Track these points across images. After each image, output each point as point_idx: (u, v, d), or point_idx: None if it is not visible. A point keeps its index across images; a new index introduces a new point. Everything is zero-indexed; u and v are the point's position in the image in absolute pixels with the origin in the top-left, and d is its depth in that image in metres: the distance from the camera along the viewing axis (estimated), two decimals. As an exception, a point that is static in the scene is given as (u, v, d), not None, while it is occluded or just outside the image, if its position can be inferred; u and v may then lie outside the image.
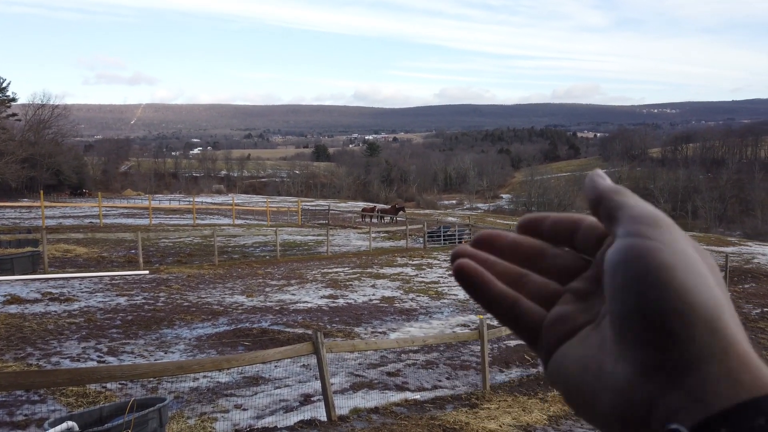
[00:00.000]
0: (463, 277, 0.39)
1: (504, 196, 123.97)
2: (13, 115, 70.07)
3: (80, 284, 14.67)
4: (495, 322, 9.27)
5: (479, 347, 8.60)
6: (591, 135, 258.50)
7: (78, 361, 8.61)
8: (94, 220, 32.59)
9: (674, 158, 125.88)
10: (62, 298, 12.90)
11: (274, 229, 23.89)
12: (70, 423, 4.65)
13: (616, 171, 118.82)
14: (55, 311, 11.70)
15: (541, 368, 9.83)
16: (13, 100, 69.68)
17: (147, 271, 16.76)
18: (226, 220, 37.49)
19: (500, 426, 6.52)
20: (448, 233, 28.74)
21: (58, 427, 4.57)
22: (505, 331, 9.27)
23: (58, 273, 15.89)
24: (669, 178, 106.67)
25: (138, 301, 12.97)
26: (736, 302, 17.81)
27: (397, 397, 7.72)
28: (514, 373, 9.75)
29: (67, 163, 69.20)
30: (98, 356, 8.91)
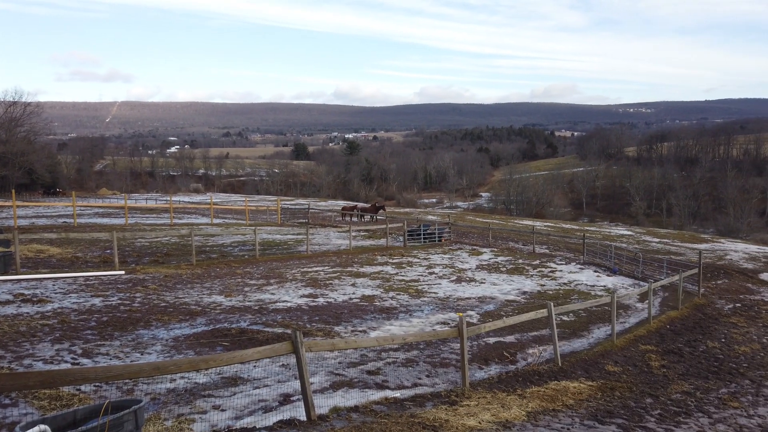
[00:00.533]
0: None
1: (483, 194, 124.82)
2: (-17, 112, 68.28)
3: (54, 285, 14.37)
4: (475, 320, 9.29)
5: (459, 345, 8.64)
6: (568, 134, 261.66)
7: (51, 363, 8.43)
8: (68, 220, 31.95)
9: (649, 157, 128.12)
10: (35, 299, 12.62)
11: (253, 228, 23.70)
12: (43, 426, 4.54)
13: (592, 170, 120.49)
14: (28, 313, 11.44)
15: (520, 365, 9.90)
16: (-17, 97, 67.88)
17: (123, 272, 16.49)
18: (205, 220, 37.07)
19: (479, 423, 6.55)
20: (428, 232, 28.82)
21: (31, 431, 4.46)
22: (485, 328, 9.33)
23: (30, 274, 15.53)
24: (644, 176, 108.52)
25: (113, 302, 12.75)
26: (710, 298, 18.18)
27: (377, 395, 7.71)
28: (493, 369, 9.82)
29: (40, 162, 67.65)
30: (72, 358, 8.73)
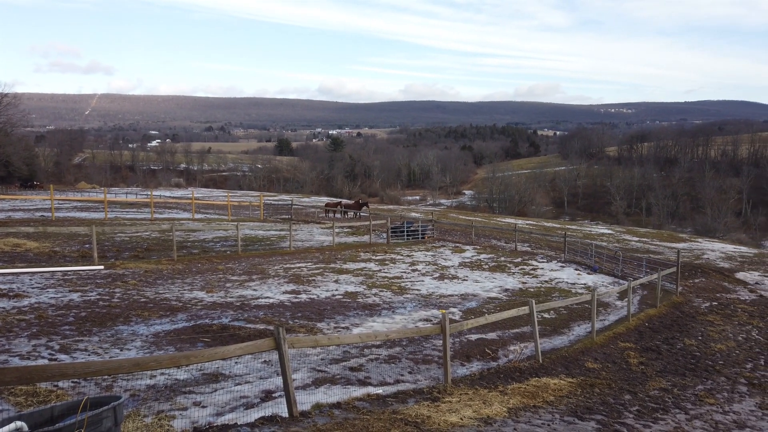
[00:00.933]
0: None
1: (466, 192, 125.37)
2: (-42, 102, 66.75)
3: (30, 280, 14.11)
4: (457, 317, 9.39)
5: (441, 341, 8.67)
6: (551, 133, 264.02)
7: (28, 359, 8.28)
8: (45, 214, 31.38)
9: (630, 157, 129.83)
10: (11, 294, 12.38)
11: (236, 223, 23.52)
12: (19, 423, 4.46)
13: (574, 168, 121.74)
14: (3, 308, 11.22)
15: (501, 361, 9.97)
16: (-42, 87, 66.32)
17: (102, 267, 16.25)
18: (186, 215, 36.68)
19: (461, 419, 6.59)
20: (412, 229, 28.87)
21: (6, 428, 4.37)
22: (467, 325, 9.38)
23: (6, 268, 15.23)
24: (625, 176, 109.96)
25: (92, 297, 12.56)
26: (687, 296, 18.50)
27: (359, 391, 7.71)
28: (475, 366, 9.88)
29: (16, 154, 66.26)
30: (50, 354, 8.59)
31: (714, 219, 76.91)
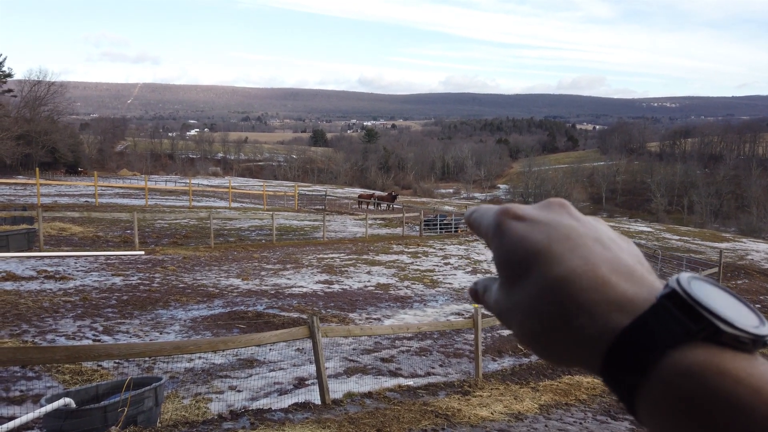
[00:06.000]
0: None
1: (501, 186, 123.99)
2: (9, 91, 69.44)
3: (76, 263, 14.66)
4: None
5: (473, 336, 8.67)
6: (590, 127, 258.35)
7: (73, 339, 8.64)
8: (89, 200, 32.47)
9: (672, 153, 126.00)
10: (57, 276, 12.90)
11: (271, 213, 23.88)
12: (67, 399, 4.69)
13: (613, 164, 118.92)
14: (51, 289, 11.71)
15: (533, 358, 9.91)
16: (9, 75, 68.98)
17: (143, 252, 16.75)
18: (223, 203, 37.42)
19: (492, 413, 6.59)
20: (445, 222, 28.78)
21: (55, 403, 4.60)
22: (499, 320, 9.33)
23: (53, 251, 15.87)
24: (666, 172, 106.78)
25: (133, 282, 12.99)
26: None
27: (390, 382, 7.78)
28: (507, 362, 9.84)
29: (62, 141, 68.68)
30: (93, 335, 8.93)
31: (760, 219, 74.16)
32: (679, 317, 0.34)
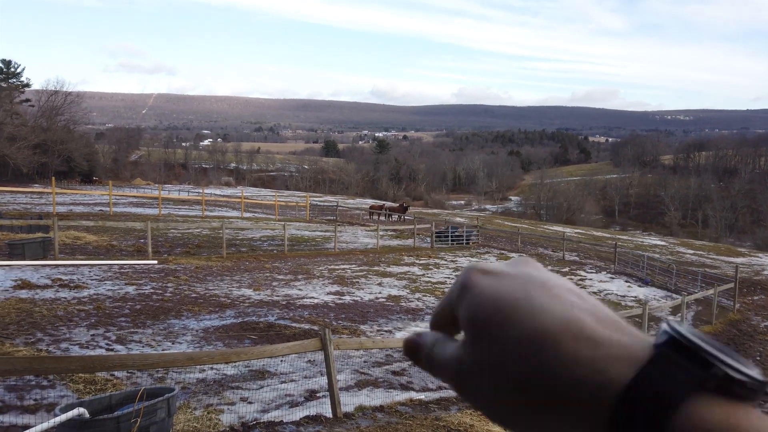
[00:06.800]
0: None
1: (513, 198, 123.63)
2: (27, 100, 70.65)
3: (90, 272, 14.78)
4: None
5: (485, 350, 8.59)
6: (603, 140, 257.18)
7: (87, 348, 8.69)
8: (104, 209, 32.82)
9: (686, 166, 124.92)
10: (72, 284, 13.01)
11: (283, 223, 23.97)
12: (81, 409, 4.70)
13: (627, 177, 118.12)
14: (65, 297, 11.80)
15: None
16: (27, 85, 70.25)
17: (156, 261, 16.86)
18: (235, 213, 37.63)
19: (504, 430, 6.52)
20: (456, 234, 28.70)
21: (69, 413, 4.62)
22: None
23: (68, 260, 16.01)
24: (680, 185, 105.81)
25: (146, 291, 13.06)
26: (745, 314, 17.69)
27: (402, 396, 7.73)
28: (519, 376, 9.74)
29: (78, 150, 69.63)
30: (107, 344, 8.98)
31: (776, 233, 73.09)
32: (685, 365, 0.32)
